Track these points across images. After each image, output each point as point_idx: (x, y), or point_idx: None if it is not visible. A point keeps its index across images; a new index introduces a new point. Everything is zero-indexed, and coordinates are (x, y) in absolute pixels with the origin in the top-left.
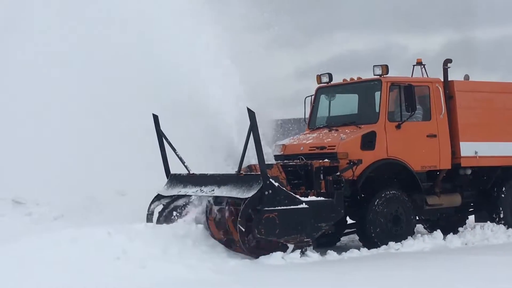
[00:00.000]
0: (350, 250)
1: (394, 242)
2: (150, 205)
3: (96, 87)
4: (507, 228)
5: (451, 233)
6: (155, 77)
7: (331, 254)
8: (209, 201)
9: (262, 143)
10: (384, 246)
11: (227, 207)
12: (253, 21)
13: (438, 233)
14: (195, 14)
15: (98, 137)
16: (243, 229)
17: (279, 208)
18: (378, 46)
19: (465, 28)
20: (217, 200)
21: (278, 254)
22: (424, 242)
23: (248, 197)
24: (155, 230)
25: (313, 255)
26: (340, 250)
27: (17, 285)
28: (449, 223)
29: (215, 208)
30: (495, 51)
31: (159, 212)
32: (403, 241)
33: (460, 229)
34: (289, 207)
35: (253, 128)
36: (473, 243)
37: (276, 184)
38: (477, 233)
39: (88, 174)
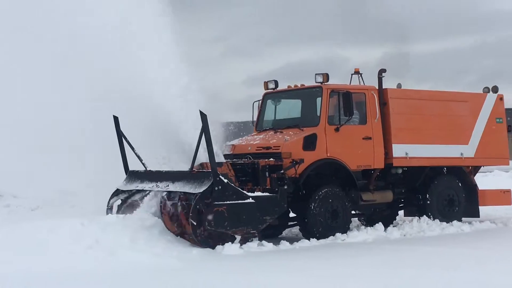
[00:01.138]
0: (301, 240)
1: (340, 233)
2: (109, 199)
3: (67, 88)
4: (439, 221)
5: (391, 226)
6: (118, 82)
7: (284, 244)
8: (163, 196)
9: (214, 143)
10: (331, 237)
11: (180, 202)
12: (210, 33)
13: (379, 225)
14: (154, 24)
15: (67, 134)
16: (195, 222)
17: (228, 202)
18: (324, 57)
19: (400, 42)
20: (171, 195)
21: (236, 244)
22: (367, 233)
23: (200, 192)
24: (125, 221)
25: (268, 244)
26: (292, 240)
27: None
28: (381, 217)
29: (169, 203)
30: (427, 63)
31: (118, 206)
32: (348, 232)
33: (399, 221)
34: (237, 201)
35: (205, 130)
36: (410, 235)
37: (225, 180)
38: (415, 225)
39: (60, 168)
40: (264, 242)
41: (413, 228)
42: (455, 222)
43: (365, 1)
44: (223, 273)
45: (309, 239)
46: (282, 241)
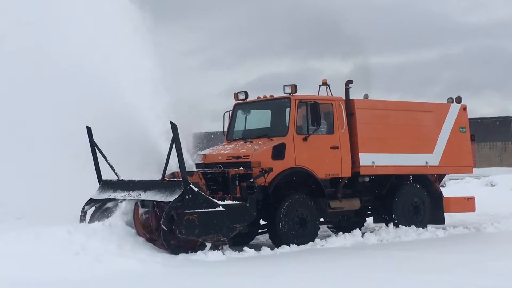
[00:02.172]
0: (282, 246)
1: (319, 240)
2: (83, 207)
3: (45, 97)
4: (405, 227)
5: (368, 231)
6: (92, 93)
7: (265, 250)
8: (136, 204)
9: (185, 152)
10: (311, 243)
11: (151, 210)
12: (188, 45)
13: (357, 231)
14: (130, 35)
15: (45, 143)
16: (166, 229)
17: (198, 210)
18: (299, 68)
19: (370, 55)
20: (143, 203)
21: (219, 251)
22: (345, 239)
23: (171, 201)
24: (111, 229)
25: (249, 250)
26: (273, 246)
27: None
28: (349, 224)
29: (142, 210)
30: (395, 75)
31: (91, 214)
32: (327, 238)
33: (376, 228)
34: (207, 209)
35: (175, 140)
36: (387, 240)
37: (196, 189)
38: (391, 231)
39: (37, 177)
40: (245, 248)
41: (390, 233)
42: (429, 227)
43: (337, 16)
44: (206, 278)
45: (277, 246)
46: (263, 247)
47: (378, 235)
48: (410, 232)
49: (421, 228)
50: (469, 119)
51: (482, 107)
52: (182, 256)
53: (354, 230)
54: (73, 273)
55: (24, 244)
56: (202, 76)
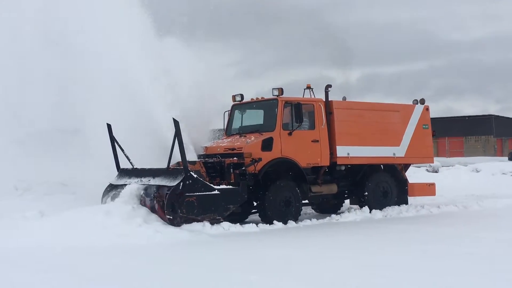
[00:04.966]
0: (304, 220)
1: (335, 214)
2: (104, 192)
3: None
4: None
5: (374, 209)
6: (113, 94)
7: (291, 223)
8: (144, 189)
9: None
10: (328, 217)
11: (158, 193)
12: (228, 59)
13: (366, 209)
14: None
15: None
16: (170, 209)
17: (197, 194)
18: (312, 77)
19: (368, 66)
20: (150, 188)
21: (253, 224)
22: (356, 214)
23: (173, 185)
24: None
25: (277, 224)
26: (298, 220)
27: (74, 241)
28: (329, 206)
29: (149, 194)
30: (392, 82)
31: (111, 197)
32: (341, 213)
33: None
34: (205, 193)
35: (177, 135)
36: (391, 216)
37: (195, 175)
38: (395, 209)
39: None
40: (275, 222)
41: (394, 210)
42: (426, 204)
43: (346, 35)
44: (244, 239)
45: (268, 224)
46: (290, 220)
47: (383, 212)
48: (411, 210)
49: (419, 206)
50: (458, 116)
51: (466, 108)
52: (221, 228)
53: (364, 207)
54: (139, 240)
55: (97, 217)
56: (238, 83)
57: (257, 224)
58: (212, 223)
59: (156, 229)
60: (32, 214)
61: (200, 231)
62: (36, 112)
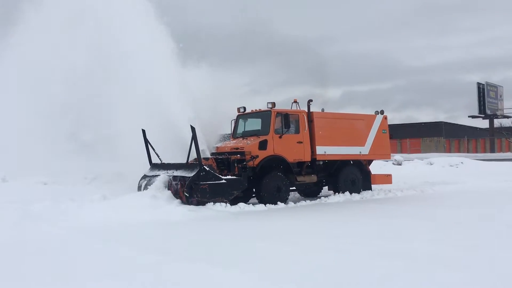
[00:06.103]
0: (300, 201)
1: (324, 197)
2: (139, 181)
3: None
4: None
5: (343, 193)
6: (147, 108)
7: (291, 204)
8: (170, 178)
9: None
10: (318, 200)
11: (180, 182)
12: (241, 80)
13: (347, 193)
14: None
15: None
16: (187, 195)
17: (209, 182)
18: (307, 94)
19: (353, 85)
20: (175, 177)
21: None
22: (339, 197)
23: (191, 176)
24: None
25: (280, 204)
26: (291, 201)
27: (129, 218)
28: (311, 191)
29: (174, 182)
30: (367, 98)
31: (144, 185)
32: (328, 196)
33: (330, 193)
34: (214, 182)
35: (194, 138)
36: (366, 198)
37: (208, 169)
38: (369, 192)
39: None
40: (279, 203)
41: (368, 193)
42: (392, 189)
43: (332, 61)
44: (270, 215)
45: (265, 205)
46: (290, 202)
47: (361, 195)
48: (381, 193)
49: (387, 190)
50: (416, 123)
51: (422, 116)
52: (238, 208)
53: (346, 192)
54: (179, 217)
55: (146, 200)
56: (248, 98)
57: (253, 204)
58: (221, 204)
59: (189, 209)
60: (97, 197)
61: (222, 210)
62: (94, 124)
